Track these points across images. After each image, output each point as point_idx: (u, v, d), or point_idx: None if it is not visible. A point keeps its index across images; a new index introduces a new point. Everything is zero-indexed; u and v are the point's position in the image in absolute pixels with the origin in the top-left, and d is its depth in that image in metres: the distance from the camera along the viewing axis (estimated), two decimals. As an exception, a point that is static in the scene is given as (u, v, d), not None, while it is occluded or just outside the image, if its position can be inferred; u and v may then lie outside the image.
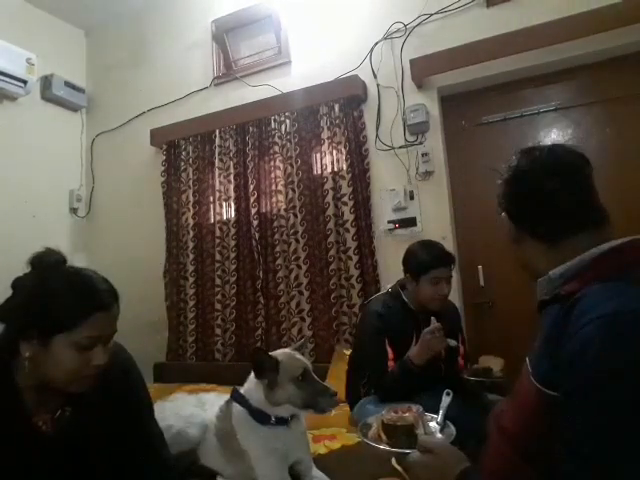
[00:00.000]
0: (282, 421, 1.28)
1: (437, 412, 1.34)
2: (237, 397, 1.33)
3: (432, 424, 1.01)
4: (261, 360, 1.28)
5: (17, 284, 0.94)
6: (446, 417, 1.03)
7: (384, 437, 0.96)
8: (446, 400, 1.04)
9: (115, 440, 1.00)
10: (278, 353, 1.34)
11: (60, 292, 0.88)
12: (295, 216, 2.81)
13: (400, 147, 2.66)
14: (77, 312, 0.87)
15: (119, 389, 1.03)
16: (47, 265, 0.93)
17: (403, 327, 1.79)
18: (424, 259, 1.78)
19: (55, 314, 0.86)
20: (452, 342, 1.74)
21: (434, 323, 1.66)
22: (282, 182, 2.90)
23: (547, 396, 0.73)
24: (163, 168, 3.29)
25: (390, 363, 1.74)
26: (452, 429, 0.98)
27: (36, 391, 0.91)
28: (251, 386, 1.31)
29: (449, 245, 2.54)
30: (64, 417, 0.94)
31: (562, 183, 0.86)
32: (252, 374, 1.32)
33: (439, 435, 0.97)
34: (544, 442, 0.74)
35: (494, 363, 1.72)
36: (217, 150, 3.11)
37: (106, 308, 0.90)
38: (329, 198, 2.71)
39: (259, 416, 1.28)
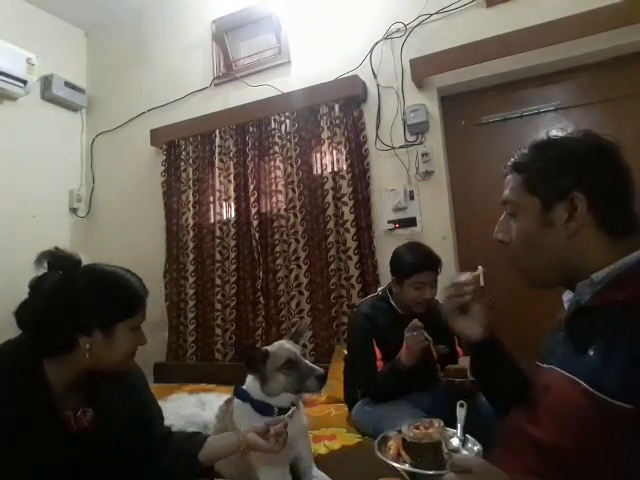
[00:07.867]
0: (283, 411, 1.32)
1: (434, 411, 1.33)
2: (239, 393, 1.36)
3: (454, 440, 0.90)
4: (251, 355, 1.34)
5: (41, 285, 0.97)
6: (465, 431, 0.92)
7: (406, 456, 0.84)
8: (462, 412, 0.93)
9: (128, 439, 1.07)
10: (271, 345, 1.39)
11: (121, 286, 1.01)
12: (295, 216, 2.81)
13: (400, 147, 2.66)
14: (137, 300, 1.02)
15: (131, 396, 1.12)
16: (74, 263, 1.00)
17: (389, 329, 1.76)
18: (407, 263, 1.76)
19: (122, 305, 1.00)
20: (442, 348, 1.70)
21: (414, 322, 1.62)
22: (282, 182, 2.90)
23: (617, 409, 0.67)
24: (163, 168, 3.29)
25: (379, 363, 1.73)
26: (477, 445, 0.88)
27: (64, 389, 0.98)
28: (250, 382, 1.36)
29: (449, 245, 2.55)
30: (85, 415, 1.02)
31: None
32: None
33: (464, 452, 0.85)
34: (601, 457, 0.69)
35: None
36: (217, 150, 3.10)
37: (147, 294, 1.06)
38: (329, 198, 2.71)
39: (262, 407, 1.31)
